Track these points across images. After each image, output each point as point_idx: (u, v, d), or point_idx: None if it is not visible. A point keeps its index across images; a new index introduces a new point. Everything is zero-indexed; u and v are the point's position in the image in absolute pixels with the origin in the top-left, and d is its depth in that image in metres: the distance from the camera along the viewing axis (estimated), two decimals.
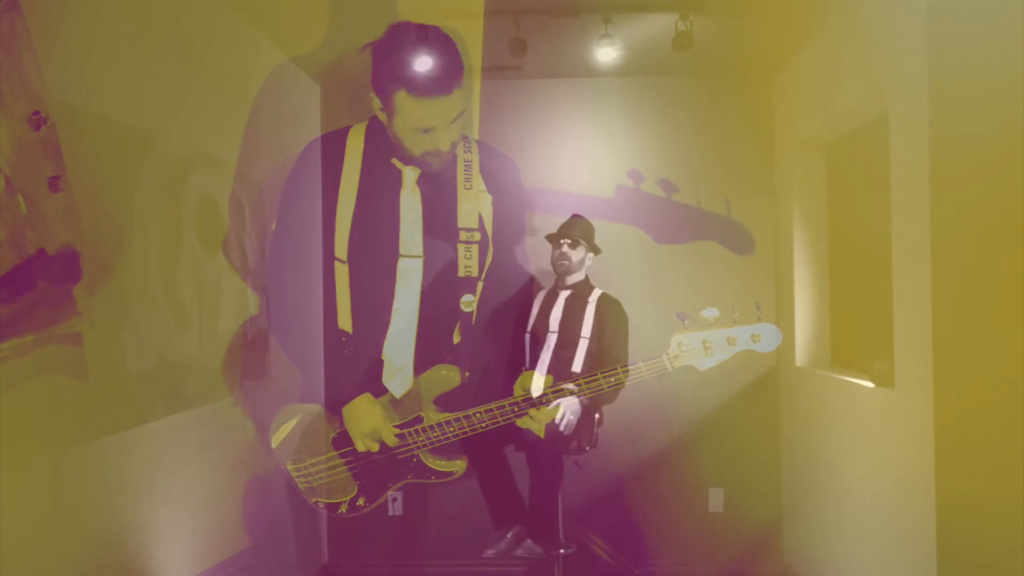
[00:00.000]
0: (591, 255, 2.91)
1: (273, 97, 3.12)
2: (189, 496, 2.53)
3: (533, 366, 2.84)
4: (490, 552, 2.81)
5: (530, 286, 3.06)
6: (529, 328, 2.93)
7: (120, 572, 2.16)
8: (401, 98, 2.59)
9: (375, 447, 2.69)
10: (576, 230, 2.88)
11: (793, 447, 3.49)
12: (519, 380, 2.69)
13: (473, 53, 3.13)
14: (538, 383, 2.62)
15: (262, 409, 2.90)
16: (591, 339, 2.89)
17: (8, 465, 1.69)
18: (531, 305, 2.97)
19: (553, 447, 2.74)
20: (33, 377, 1.80)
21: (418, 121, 2.62)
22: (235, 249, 2.85)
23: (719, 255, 3.57)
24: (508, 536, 2.82)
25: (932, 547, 2.22)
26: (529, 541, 2.83)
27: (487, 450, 2.82)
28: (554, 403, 2.59)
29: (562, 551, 2.87)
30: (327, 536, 3.64)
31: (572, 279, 2.90)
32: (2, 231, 1.69)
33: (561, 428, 2.66)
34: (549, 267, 2.92)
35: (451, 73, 2.59)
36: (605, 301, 2.92)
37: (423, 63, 2.55)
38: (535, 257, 3.12)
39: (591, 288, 2.91)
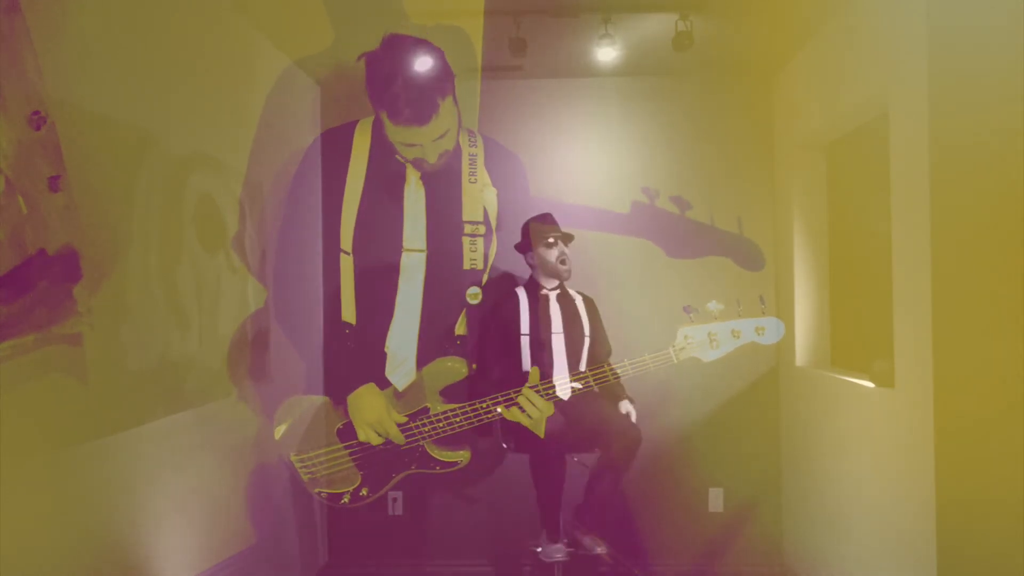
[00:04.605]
0: None
1: (275, 97, 3.12)
2: (189, 496, 2.53)
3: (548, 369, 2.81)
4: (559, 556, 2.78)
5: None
6: (526, 330, 2.87)
7: (120, 572, 2.16)
8: (384, 117, 2.66)
9: (376, 440, 2.69)
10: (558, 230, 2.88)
11: (793, 447, 3.49)
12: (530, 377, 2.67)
13: (473, 53, 3.14)
14: (564, 384, 2.63)
15: (264, 405, 2.90)
16: (589, 337, 2.90)
17: (8, 465, 1.69)
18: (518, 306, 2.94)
19: (559, 447, 2.74)
20: (33, 377, 1.80)
21: (401, 139, 2.68)
22: (242, 246, 2.86)
23: (726, 263, 3.59)
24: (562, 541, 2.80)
25: (932, 547, 2.22)
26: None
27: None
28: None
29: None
30: (327, 536, 3.64)
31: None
32: (2, 231, 1.69)
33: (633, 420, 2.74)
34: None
35: (427, 105, 2.60)
36: (589, 300, 2.96)
37: (398, 95, 2.57)
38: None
39: (565, 288, 2.92)
